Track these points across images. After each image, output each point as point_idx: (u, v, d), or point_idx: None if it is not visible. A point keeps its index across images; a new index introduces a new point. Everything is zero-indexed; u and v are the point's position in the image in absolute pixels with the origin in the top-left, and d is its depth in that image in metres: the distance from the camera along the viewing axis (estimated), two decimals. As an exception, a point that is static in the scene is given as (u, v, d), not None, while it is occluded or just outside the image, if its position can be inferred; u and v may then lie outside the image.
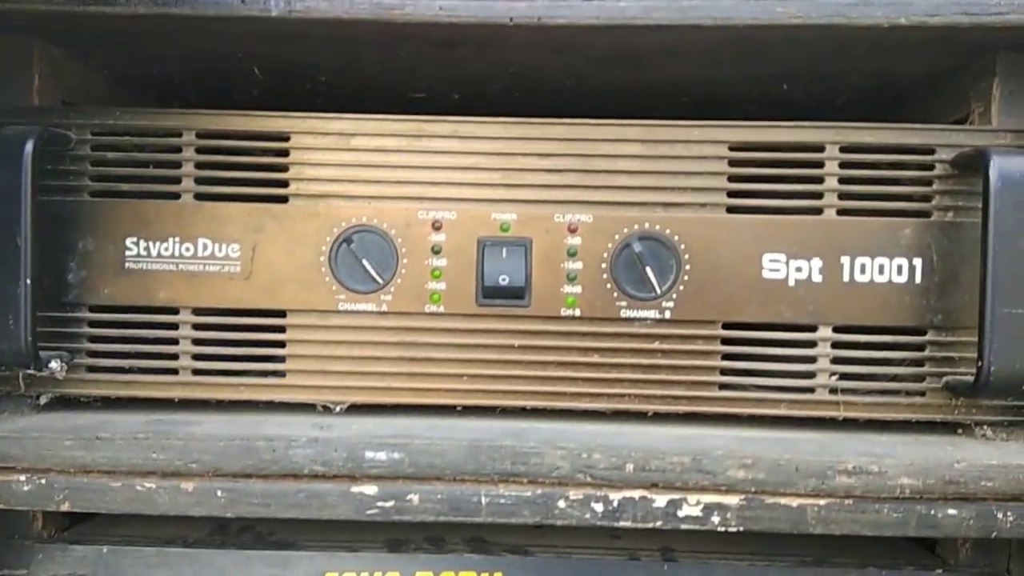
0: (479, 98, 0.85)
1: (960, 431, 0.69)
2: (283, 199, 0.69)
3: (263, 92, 0.84)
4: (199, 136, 0.69)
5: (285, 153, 0.69)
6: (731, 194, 0.68)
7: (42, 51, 0.70)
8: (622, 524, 0.61)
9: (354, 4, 0.62)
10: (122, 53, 0.74)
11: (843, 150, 0.68)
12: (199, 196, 0.69)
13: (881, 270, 0.67)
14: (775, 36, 0.63)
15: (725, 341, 0.68)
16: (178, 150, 0.69)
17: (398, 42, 0.68)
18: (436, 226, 0.69)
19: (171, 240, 0.69)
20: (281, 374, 0.70)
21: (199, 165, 0.69)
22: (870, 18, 0.61)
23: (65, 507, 0.62)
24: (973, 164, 0.65)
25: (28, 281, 0.63)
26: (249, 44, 0.70)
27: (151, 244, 0.69)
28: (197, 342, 0.69)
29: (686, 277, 0.68)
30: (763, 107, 0.84)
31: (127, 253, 0.69)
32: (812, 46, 0.67)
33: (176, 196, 0.69)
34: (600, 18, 0.62)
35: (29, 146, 0.63)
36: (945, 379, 0.67)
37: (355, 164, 0.69)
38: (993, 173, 0.62)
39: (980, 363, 0.62)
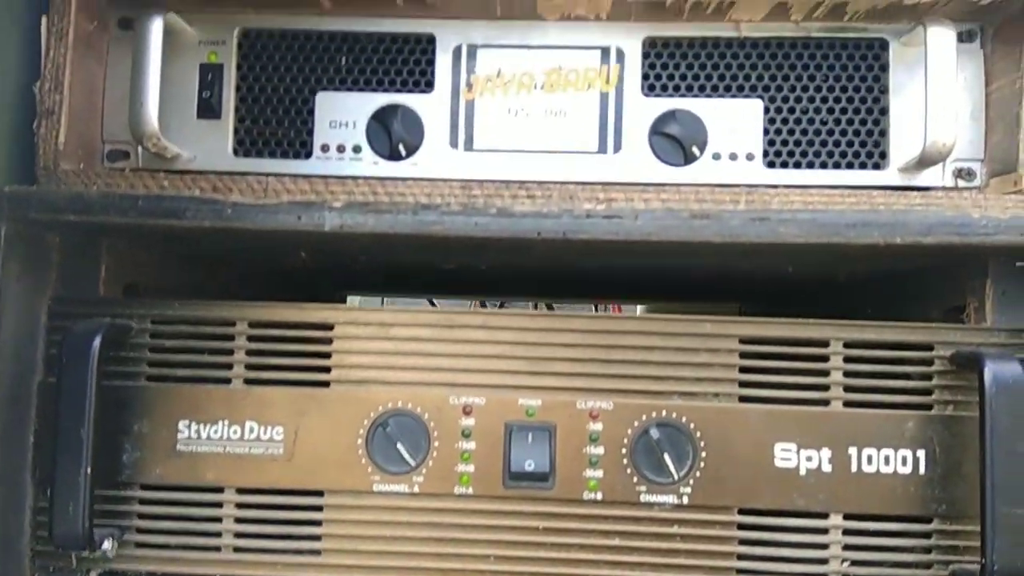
0: (505, 269, 0.92)
1: (970, 616, 0.71)
2: (325, 384, 0.75)
3: (307, 265, 0.91)
4: (250, 325, 0.75)
5: (328, 341, 0.75)
6: (743, 384, 0.73)
7: (110, 246, 0.77)
8: None
9: (398, 221, 0.69)
10: (183, 246, 0.81)
11: (846, 345, 0.73)
12: (248, 381, 0.75)
13: (887, 461, 0.71)
14: (779, 249, 0.69)
15: (741, 527, 0.72)
16: (230, 338, 0.75)
17: (434, 244, 0.74)
18: (466, 411, 0.74)
19: (220, 423, 0.74)
20: (317, 552, 0.73)
21: (249, 352, 0.75)
22: (868, 238, 0.67)
23: None
24: (970, 365, 0.69)
25: (89, 469, 0.68)
26: (300, 241, 0.77)
27: (202, 427, 0.74)
28: (239, 520, 0.73)
29: (703, 464, 0.72)
30: (769, 282, 0.90)
31: (179, 435, 0.74)
32: (814, 252, 0.73)
33: (227, 381, 0.75)
34: (619, 234, 0.68)
35: (96, 343, 0.69)
36: (951, 567, 0.70)
37: (393, 352, 0.74)
38: (988, 378, 0.66)
39: (983, 560, 0.65)
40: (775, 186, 0.81)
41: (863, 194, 0.74)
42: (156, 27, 0.78)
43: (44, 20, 0.78)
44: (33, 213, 0.70)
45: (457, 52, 0.83)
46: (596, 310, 1.80)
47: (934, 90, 0.74)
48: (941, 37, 0.75)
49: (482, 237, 0.69)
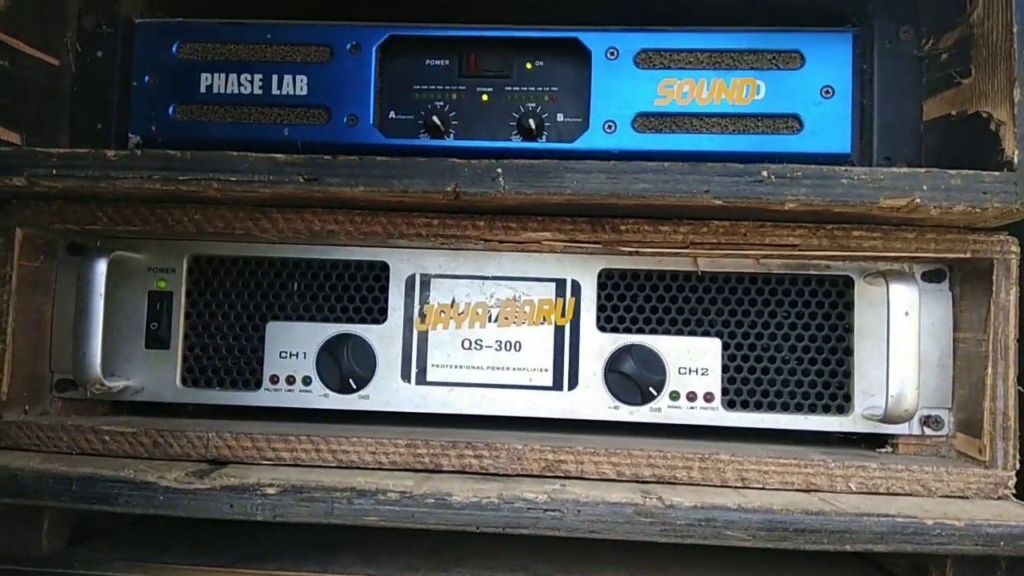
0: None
1: None
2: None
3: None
4: (190, 587, 0.74)
5: (269, 605, 0.74)
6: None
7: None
8: None
9: (332, 510, 0.67)
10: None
11: (800, 626, 0.70)
12: (188, 646, 0.74)
13: None
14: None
15: None
16: (171, 601, 0.74)
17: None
18: None
19: None
20: None
21: (189, 615, 0.74)
22: (817, 544, 0.64)
23: None
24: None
25: None
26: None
27: None
28: None
29: None
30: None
31: None
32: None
33: (166, 645, 0.74)
34: (560, 529, 0.66)
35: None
36: None
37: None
38: None
39: None
40: (733, 430, 0.79)
41: (819, 464, 0.71)
42: (100, 270, 0.77)
43: (-13, 268, 0.77)
44: (-34, 494, 0.69)
45: (411, 281, 0.82)
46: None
47: (896, 356, 0.71)
48: (904, 297, 0.72)
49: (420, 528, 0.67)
